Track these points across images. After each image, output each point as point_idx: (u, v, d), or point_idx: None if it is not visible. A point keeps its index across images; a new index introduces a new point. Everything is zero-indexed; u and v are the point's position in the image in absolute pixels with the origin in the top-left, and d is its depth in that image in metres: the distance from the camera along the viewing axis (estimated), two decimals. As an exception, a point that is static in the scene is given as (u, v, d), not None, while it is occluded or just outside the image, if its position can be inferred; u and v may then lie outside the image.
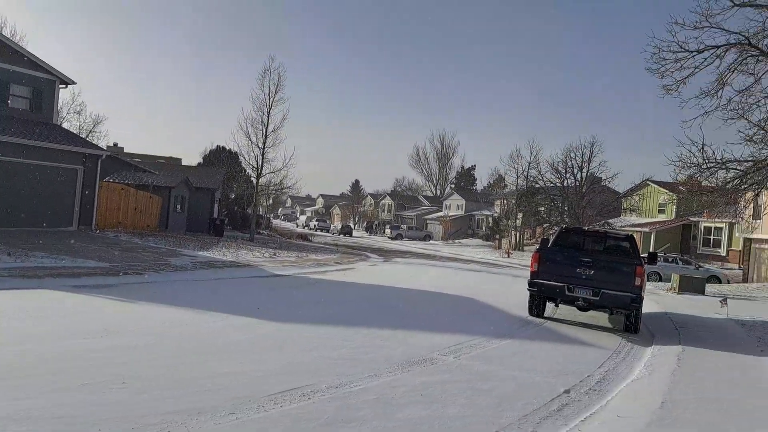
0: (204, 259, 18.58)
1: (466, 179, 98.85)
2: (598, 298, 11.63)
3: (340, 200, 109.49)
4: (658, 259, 31.82)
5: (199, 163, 51.67)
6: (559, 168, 46.40)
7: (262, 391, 5.72)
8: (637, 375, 8.22)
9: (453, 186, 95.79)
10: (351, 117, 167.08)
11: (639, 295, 11.45)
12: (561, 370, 8.08)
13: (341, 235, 67.44)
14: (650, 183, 45.60)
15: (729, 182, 13.59)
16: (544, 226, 48.36)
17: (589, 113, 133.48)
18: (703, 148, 13.10)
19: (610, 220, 44.59)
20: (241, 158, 38.25)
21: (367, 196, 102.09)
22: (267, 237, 41.51)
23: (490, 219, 65.04)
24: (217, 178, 38.86)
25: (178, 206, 33.14)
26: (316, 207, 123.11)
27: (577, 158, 45.44)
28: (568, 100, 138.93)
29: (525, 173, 53.18)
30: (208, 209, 36.81)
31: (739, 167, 13.64)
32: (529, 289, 12.43)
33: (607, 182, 48.25)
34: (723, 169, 13.73)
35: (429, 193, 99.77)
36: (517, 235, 54.14)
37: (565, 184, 45.66)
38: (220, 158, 49.05)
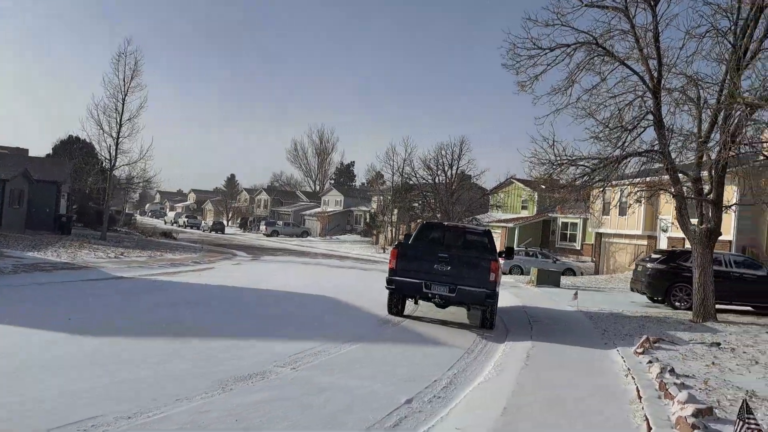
0: (31, 261, 16.24)
1: (345, 175, 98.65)
2: (454, 295, 11.37)
3: (214, 195, 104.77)
4: (520, 253, 33.29)
5: (48, 155, 46.54)
6: (431, 165, 47.32)
7: (26, 427, 4.52)
8: (486, 376, 7.88)
9: (332, 182, 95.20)
10: (228, 109, 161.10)
11: (494, 290, 11.32)
12: (409, 375, 7.52)
13: (212, 232, 64.31)
14: (514, 180, 47.79)
15: (578, 179, 13.93)
16: (418, 221, 49.08)
17: (461, 111, 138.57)
18: (554, 144, 13.31)
19: (477, 216, 46.16)
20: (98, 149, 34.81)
21: (242, 191, 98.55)
22: (124, 235, 38.21)
23: (368, 215, 65.17)
24: (65, 170, 35.05)
25: (15, 201, 29.34)
26: (188, 202, 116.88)
27: (447, 156, 46.55)
28: (443, 97, 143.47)
29: (400, 170, 53.78)
30: (53, 205, 33.05)
31: (587, 164, 14.03)
32: (387, 287, 11.92)
33: (475, 179, 49.99)
34: (573, 165, 14.07)
35: (308, 189, 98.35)
36: (393, 230, 54.59)
37: (436, 181, 46.60)
38: (73, 149, 44.48)
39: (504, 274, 30.13)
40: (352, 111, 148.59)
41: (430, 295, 11.54)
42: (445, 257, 11.56)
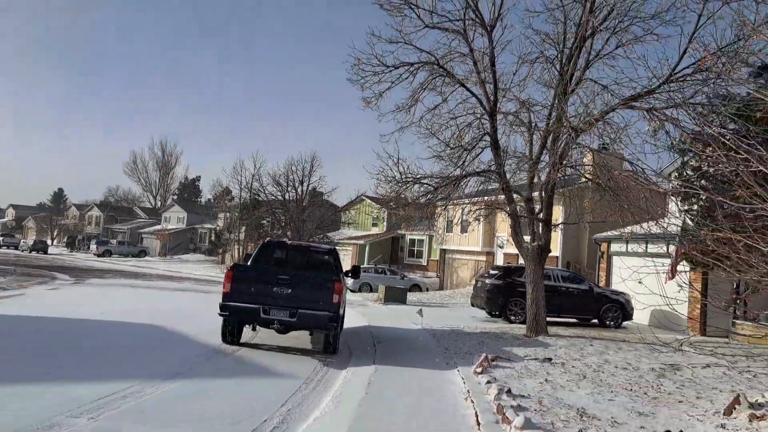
0: None
1: (190, 190, 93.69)
2: (295, 320, 10.61)
3: (38, 212, 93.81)
4: (370, 270, 33.41)
5: None
6: (281, 181, 46.20)
7: None
8: (322, 410, 7.22)
9: (175, 197, 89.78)
10: (57, 117, 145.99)
11: (337, 313, 10.75)
12: (235, 416, 6.63)
13: (33, 252, 57.25)
14: (365, 198, 48.29)
15: (422, 197, 13.97)
16: (266, 239, 47.59)
17: (312, 126, 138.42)
18: (398, 162, 13.21)
19: (329, 234, 45.84)
20: None
21: (71, 206, 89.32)
22: None
23: (213, 233, 62.09)
24: None
25: None
26: (5, 219, 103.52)
27: (298, 172, 45.77)
28: (294, 112, 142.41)
29: (249, 185, 51.90)
30: None
31: (430, 183, 14.12)
32: (220, 314, 10.83)
33: (327, 196, 49.74)
34: (417, 183, 14.10)
35: (147, 205, 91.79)
36: (240, 249, 52.39)
37: (286, 197, 45.56)
38: None
39: (353, 292, 29.96)
40: (199, 123, 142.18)
41: (268, 320, 10.69)
42: (285, 279, 10.79)
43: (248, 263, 12.27)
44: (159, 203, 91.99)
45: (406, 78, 13.76)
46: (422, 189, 14.51)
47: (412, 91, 13.86)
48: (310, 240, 37.30)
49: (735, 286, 15.15)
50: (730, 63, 11.10)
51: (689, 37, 11.97)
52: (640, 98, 12.61)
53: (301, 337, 12.73)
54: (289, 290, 10.69)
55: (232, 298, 10.68)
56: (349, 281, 27.34)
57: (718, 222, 8.06)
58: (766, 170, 6.65)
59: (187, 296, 23.21)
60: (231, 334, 11.33)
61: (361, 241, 44.64)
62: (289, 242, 14.03)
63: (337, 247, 43.41)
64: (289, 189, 45.87)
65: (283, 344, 11.88)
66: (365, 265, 37.62)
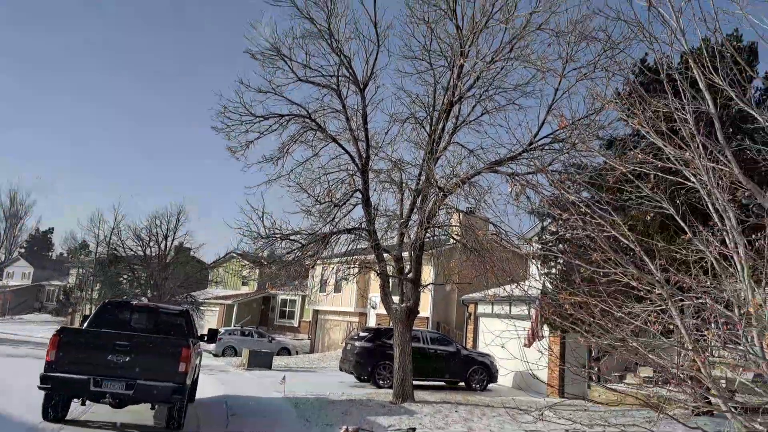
0: None
1: (41, 244, 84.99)
2: (132, 392, 9.20)
3: None
4: (236, 332, 31.49)
5: None
6: (143, 235, 43.02)
7: None
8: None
9: (23, 251, 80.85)
10: None
11: (183, 383, 9.48)
12: None
13: None
14: (234, 254, 46.28)
15: (290, 253, 13.25)
16: (123, 297, 43.70)
17: (179, 178, 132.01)
18: (263, 216, 12.46)
19: (194, 293, 43.06)
20: None
21: None
22: None
23: (63, 290, 56.20)
24: None
25: None
26: None
27: (163, 226, 42.96)
28: (162, 162, 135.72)
29: (107, 239, 47.81)
30: None
31: (298, 239, 13.47)
32: (41, 387, 9.15)
33: (194, 252, 47.03)
34: (285, 240, 13.37)
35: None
36: (92, 308, 47.60)
37: (147, 252, 42.39)
38: None
39: (216, 356, 27.89)
40: (56, 171, 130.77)
41: (100, 393, 9.19)
42: (123, 345, 9.39)
43: (73, 328, 10.67)
44: (3, 257, 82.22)
45: (276, 129, 13.26)
46: (290, 246, 13.80)
47: (281, 143, 13.35)
48: (171, 300, 34.71)
49: (591, 350, 15.79)
50: (584, 134, 11.81)
51: (548, 108, 12.68)
52: (503, 163, 13.02)
53: (141, 410, 11.17)
54: (128, 358, 9.31)
55: (56, 367, 9.10)
56: (211, 346, 25.40)
57: (575, 286, 8.18)
58: (618, 236, 6.82)
59: (20, 363, 20.13)
60: (54, 409, 9.64)
61: (230, 301, 42.41)
62: (135, 303, 12.55)
63: (202, 308, 41.03)
64: (152, 244, 42.83)
65: (120, 418, 10.30)
66: (231, 327, 35.53)
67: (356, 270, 14.93)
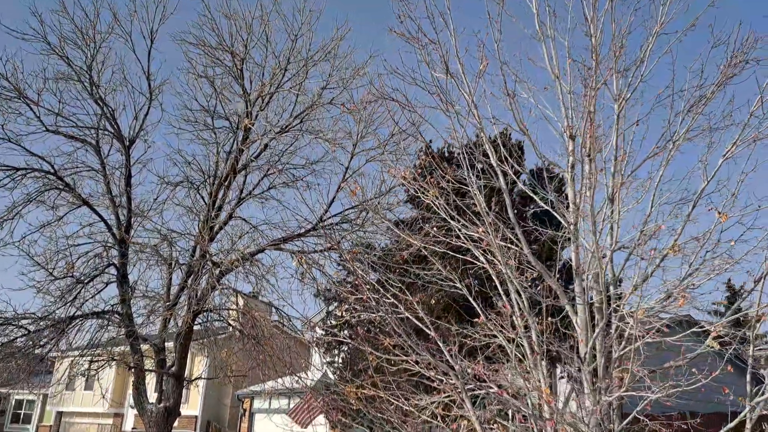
0: None
1: None
2: None
3: None
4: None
5: None
6: None
7: None
8: None
9: None
10: None
11: None
12: None
13: None
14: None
15: (18, 340, 10.31)
16: None
17: None
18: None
19: None
20: None
21: None
22: None
23: None
24: None
25: None
26: None
27: None
28: None
29: None
30: None
31: (28, 324, 10.62)
32: None
33: None
34: (7, 325, 10.42)
35: None
36: None
37: None
38: None
39: None
40: None
41: None
42: None
43: None
44: None
45: (6, 184, 10.57)
46: (16, 332, 10.82)
47: (12, 203, 10.63)
48: None
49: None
50: (373, 215, 11.44)
51: (337, 186, 12.15)
52: (289, 240, 12.02)
53: None
54: None
55: None
56: None
57: (365, 377, 7.23)
58: (412, 318, 6.11)
59: None
60: None
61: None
62: None
63: None
64: None
65: None
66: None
67: (103, 364, 12.16)
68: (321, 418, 15.49)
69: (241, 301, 13.07)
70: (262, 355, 11.99)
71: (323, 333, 14.38)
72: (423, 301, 6.14)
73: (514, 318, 6.07)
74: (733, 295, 26.95)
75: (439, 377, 6.15)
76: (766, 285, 4.94)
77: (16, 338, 10.40)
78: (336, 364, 13.02)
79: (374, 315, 6.57)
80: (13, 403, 35.24)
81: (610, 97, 6.23)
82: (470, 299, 6.33)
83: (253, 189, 12.55)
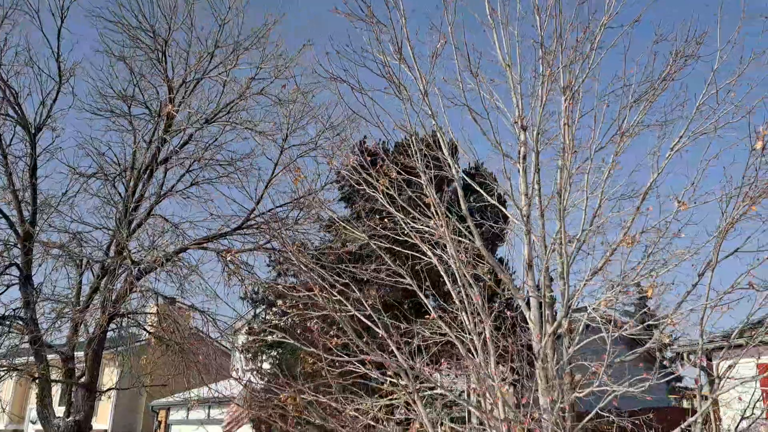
0: None
1: None
2: None
3: None
4: None
5: None
6: None
7: None
8: None
9: None
10: None
11: None
12: None
13: None
14: None
15: None
16: None
17: None
18: None
19: None
20: None
21: None
22: None
23: None
24: None
25: None
26: None
27: None
28: None
29: None
30: None
31: None
32: None
33: None
34: None
35: None
36: None
37: None
38: None
39: None
40: None
41: None
42: None
43: None
44: None
45: None
46: None
47: None
48: None
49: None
50: (306, 213, 10.97)
51: (266, 183, 11.58)
52: (214, 239, 11.30)
53: None
54: None
55: None
56: None
57: (297, 382, 6.75)
58: (361, 317, 5.71)
59: None
60: None
61: None
62: None
63: None
64: None
65: None
66: None
67: (2, 375, 10.86)
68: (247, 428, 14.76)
69: (160, 304, 12.15)
70: (185, 362, 11.19)
71: (247, 338, 13.68)
72: (370, 297, 5.76)
73: (464, 314, 5.82)
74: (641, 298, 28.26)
75: (387, 378, 5.81)
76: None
77: None
78: (263, 371, 12.36)
79: (316, 314, 6.14)
80: None
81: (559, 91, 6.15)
82: (419, 295, 6.03)
83: (175, 184, 11.72)
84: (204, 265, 18.92)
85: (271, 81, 10.77)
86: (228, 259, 10.38)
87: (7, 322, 10.34)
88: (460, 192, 6.02)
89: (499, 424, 5.26)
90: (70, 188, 10.71)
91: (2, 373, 10.55)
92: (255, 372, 13.76)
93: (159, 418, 20.22)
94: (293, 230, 11.46)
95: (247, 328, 13.62)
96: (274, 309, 13.80)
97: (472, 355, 5.70)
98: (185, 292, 10.63)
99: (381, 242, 6.57)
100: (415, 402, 5.49)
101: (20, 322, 10.23)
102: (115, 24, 10.14)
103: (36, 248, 10.55)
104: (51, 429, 10.33)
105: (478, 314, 5.66)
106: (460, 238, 5.96)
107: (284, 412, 7.01)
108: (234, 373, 14.58)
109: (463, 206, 5.96)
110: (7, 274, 10.25)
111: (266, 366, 13.56)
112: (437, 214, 5.78)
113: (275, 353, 12.77)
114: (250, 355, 13.61)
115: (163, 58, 10.50)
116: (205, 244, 11.22)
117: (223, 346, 16.47)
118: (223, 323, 11.06)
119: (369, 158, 6.44)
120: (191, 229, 11.61)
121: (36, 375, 10.36)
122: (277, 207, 11.22)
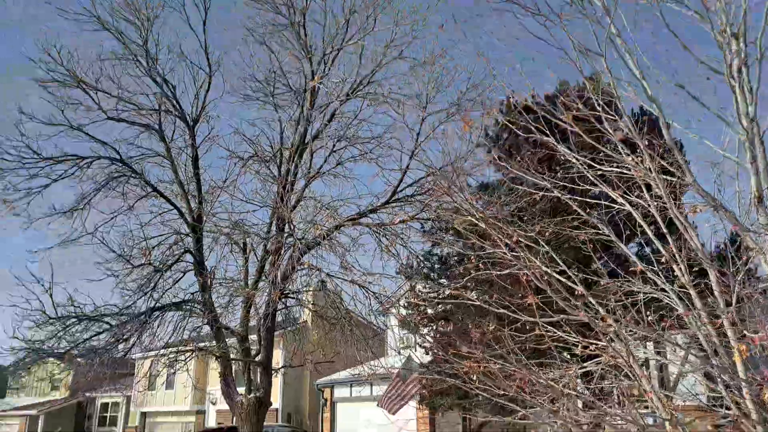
0: None
1: None
2: None
3: None
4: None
5: None
6: None
7: None
8: None
9: None
10: None
11: None
12: None
13: None
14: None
15: (92, 339, 9.84)
16: None
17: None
18: (51, 289, 9.08)
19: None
20: None
21: None
22: None
23: None
24: None
25: None
26: None
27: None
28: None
29: None
30: None
31: (110, 319, 10.14)
32: None
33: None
34: (88, 320, 9.98)
35: None
36: None
37: None
38: None
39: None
40: None
41: None
42: None
43: None
44: None
45: (73, 173, 10.07)
46: (97, 328, 10.37)
47: (81, 193, 10.15)
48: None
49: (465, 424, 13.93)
50: (453, 181, 10.39)
51: (410, 154, 11.14)
52: (365, 216, 11.14)
53: None
54: None
55: None
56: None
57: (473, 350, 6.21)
58: (560, 277, 5.04)
59: None
60: None
61: (33, 411, 34.78)
62: None
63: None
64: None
65: None
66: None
67: (189, 356, 11.59)
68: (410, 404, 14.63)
69: (319, 286, 12.25)
70: (350, 339, 11.19)
71: (408, 312, 13.45)
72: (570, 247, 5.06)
73: (678, 266, 4.90)
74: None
75: (591, 342, 5.09)
76: None
77: (99, 333, 9.90)
78: (430, 344, 12.04)
79: (499, 273, 5.57)
80: (99, 406, 36.11)
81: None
82: (621, 246, 5.22)
83: (323, 164, 11.71)
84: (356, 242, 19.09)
85: (410, 41, 10.24)
86: (382, 233, 10.12)
87: (187, 306, 10.95)
88: (661, 120, 5.09)
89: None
90: (230, 172, 11.03)
91: (189, 354, 11.26)
92: (419, 345, 13.57)
93: (324, 396, 20.93)
94: (452, 194, 10.94)
95: (404, 302, 13.41)
96: (430, 281, 13.43)
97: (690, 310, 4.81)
98: (346, 269, 10.56)
99: (562, 194, 5.83)
100: (632, 366, 4.72)
101: (199, 306, 10.78)
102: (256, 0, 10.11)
103: (204, 236, 11.05)
104: (235, 406, 10.85)
105: (695, 263, 4.74)
106: (665, 177, 5.06)
107: (460, 385, 6.54)
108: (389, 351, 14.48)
109: (666, 136, 5.03)
110: (182, 261, 10.84)
111: (429, 340, 13.28)
112: (638, 147, 4.91)
113: (438, 325, 12.40)
114: (413, 328, 13.38)
115: (303, 31, 10.37)
116: (358, 221, 11.09)
117: (377, 323, 16.49)
118: (385, 297, 10.86)
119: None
120: (343, 206, 11.51)
121: (218, 354, 10.90)
122: (417, 181, 10.71)
